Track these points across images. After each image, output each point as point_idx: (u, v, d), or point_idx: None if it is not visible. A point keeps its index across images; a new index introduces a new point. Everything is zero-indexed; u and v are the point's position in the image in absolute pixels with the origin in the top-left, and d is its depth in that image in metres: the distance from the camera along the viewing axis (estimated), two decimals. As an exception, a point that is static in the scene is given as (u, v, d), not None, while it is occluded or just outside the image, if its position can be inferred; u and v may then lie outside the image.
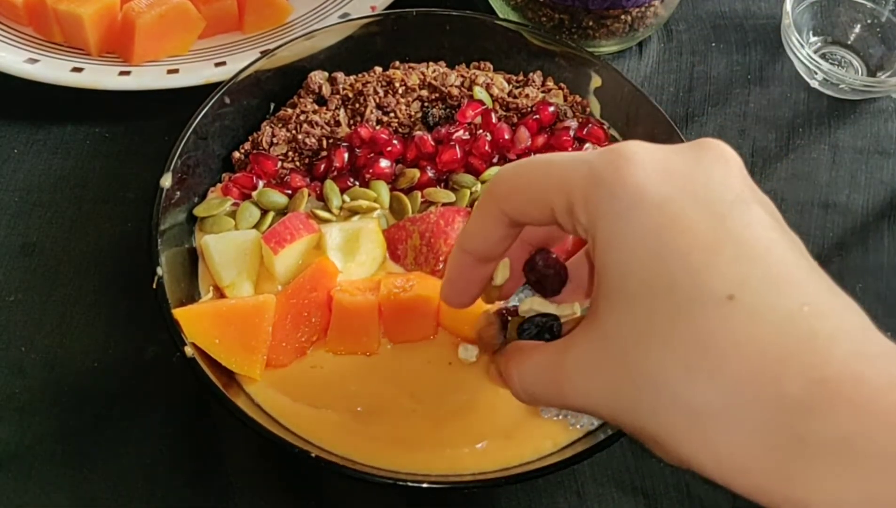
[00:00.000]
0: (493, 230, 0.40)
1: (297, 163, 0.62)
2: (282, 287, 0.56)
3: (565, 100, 0.67)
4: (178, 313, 0.52)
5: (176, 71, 0.69)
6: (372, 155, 0.62)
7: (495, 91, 0.65)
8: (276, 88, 0.65)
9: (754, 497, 0.31)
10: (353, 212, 0.60)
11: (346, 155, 0.61)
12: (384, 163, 0.61)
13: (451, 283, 0.44)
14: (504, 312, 0.46)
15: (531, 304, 0.45)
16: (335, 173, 0.61)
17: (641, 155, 0.35)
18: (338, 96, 0.65)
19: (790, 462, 0.30)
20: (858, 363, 0.31)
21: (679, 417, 0.32)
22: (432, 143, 0.62)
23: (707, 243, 0.33)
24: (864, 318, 0.33)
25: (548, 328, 0.43)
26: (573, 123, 0.64)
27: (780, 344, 0.31)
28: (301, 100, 0.65)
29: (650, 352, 0.33)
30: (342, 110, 0.65)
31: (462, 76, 0.66)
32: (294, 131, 0.63)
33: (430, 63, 0.67)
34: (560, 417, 0.52)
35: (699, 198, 0.34)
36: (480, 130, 0.63)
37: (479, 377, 0.54)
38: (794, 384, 0.30)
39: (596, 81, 0.66)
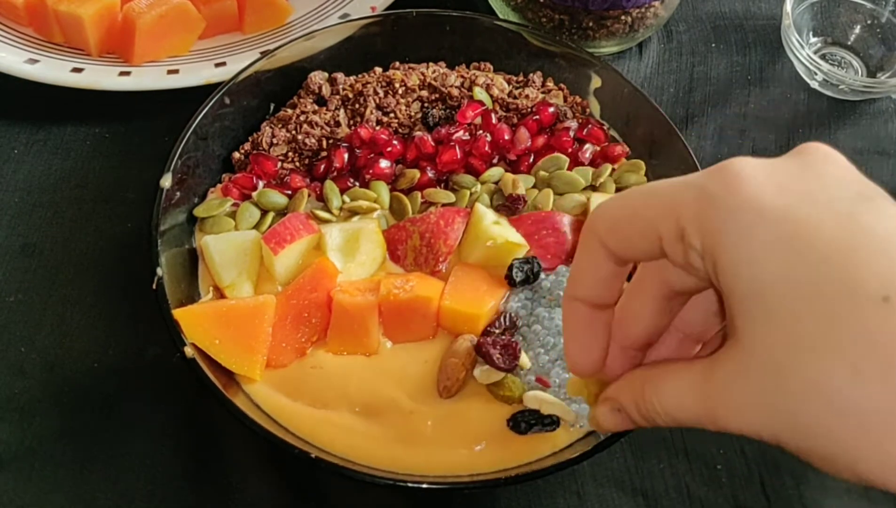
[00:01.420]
0: (600, 269, 0.38)
1: (297, 163, 0.62)
2: (282, 288, 0.56)
3: (565, 100, 0.67)
4: (178, 313, 0.52)
5: (176, 71, 0.69)
6: (372, 155, 0.62)
7: (495, 92, 0.65)
8: (276, 88, 0.65)
9: None
10: (353, 212, 0.60)
11: (346, 155, 0.61)
12: (384, 163, 0.61)
13: (573, 341, 0.41)
14: None
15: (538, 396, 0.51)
16: (335, 174, 0.61)
17: (750, 169, 0.34)
18: (338, 97, 0.65)
19: None
20: None
21: (850, 424, 0.31)
22: (432, 143, 0.62)
23: (842, 244, 0.32)
24: None
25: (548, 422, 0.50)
26: (573, 124, 0.64)
27: None
28: (301, 100, 0.65)
29: (810, 361, 0.32)
30: (342, 111, 0.65)
31: (462, 77, 0.66)
32: (294, 132, 0.63)
33: (430, 64, 0.67)
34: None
35: (819, 201, 0.33)
36: (480, 131, 0.63)
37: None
38: None
39: (596, 82, 0.66)
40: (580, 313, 0.40)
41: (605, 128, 0.66)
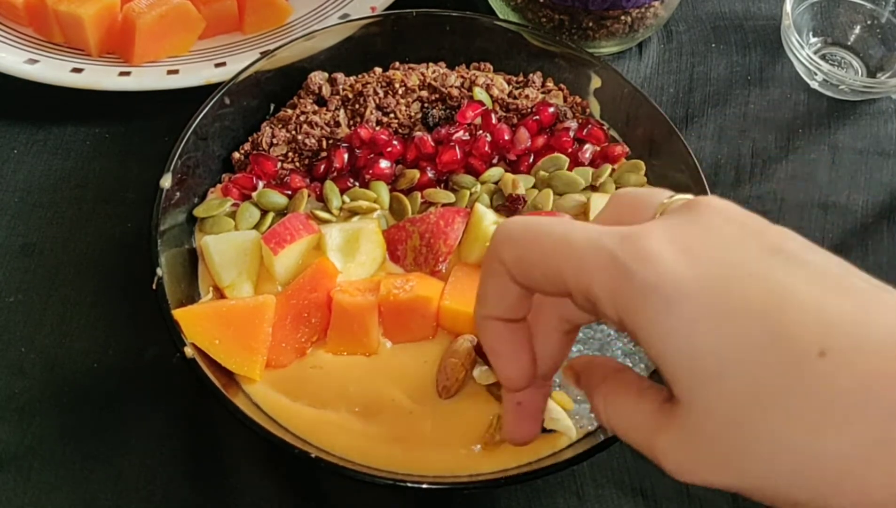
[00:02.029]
0: (507, 292, 0.39)
1: (297, 163, 0.62)
2: (282, 288, 0.56)
3: (565, 101, 0.67)
4: (178, 313, 0.52)
5: (176, 71, 0.69)
6: (372, 156, 0.62)
7: (495, 92, 0.65)
8: (276, 88, 0.65)
9: None
10: (353, 213, 0.60)
11: (345, 156, 0.61)
12: (384, 163, 0.61)
13: (498, 358, 0.41)
14: None
15: None
16: (335, 174, 0.61)
17: (657, 242, 0.34)
18: (338, 97, 0.65)
19: None
20: None
21: (824, 472, 0.32)
22: (432, 143, 0.62)
23: (766, 306, 0.32)
24: None
25: None
26: (573, 124, 0.64)
27: (890, 375, 0.31)
28: (301, 100, 0.65)
29: (770, 422, 0.32)
30: (342, 111, 0.65)
31: (462, 77, 0.66)
32: (294, 132, 0.63)
33: (430, 64, 0.67)
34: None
35: (730, 266, 0.34)
36: (480, 131, 0.63)
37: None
38: None
39: (596, 82, 0.66)
40: (496, 329, 0.40)
41: (605, 128, 0.66)
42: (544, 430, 0.52)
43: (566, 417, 0.51)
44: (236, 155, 0.63)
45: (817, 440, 0.32)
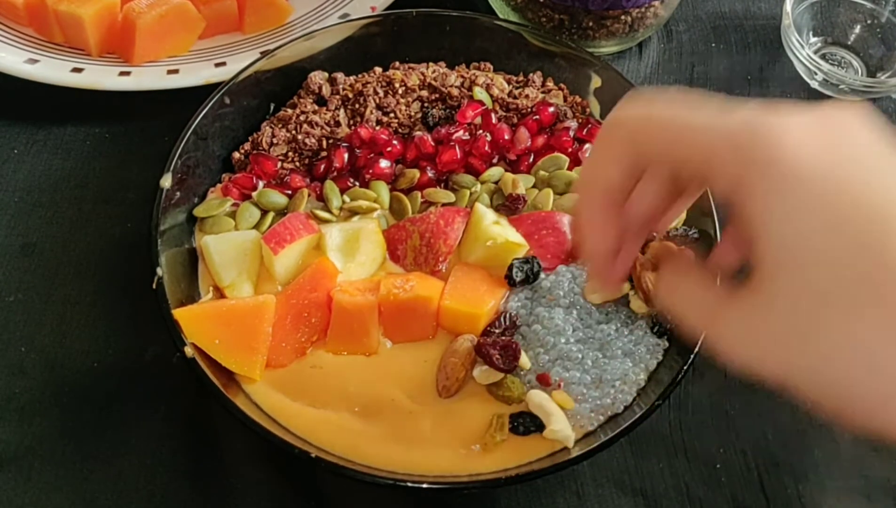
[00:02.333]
0: (618, 162, 0.39)
1: (297, 163, 0.62)
2: (282, 288, 0.56)
3: (565, 100, 0.67)
4: (178, 313, 0.52)
5: (176, 71, 0.69)
6: (372, 155, 0.62)
7: (495, 92, 0.65)
8: (276, 88, 0.65)
9: None
10: (353, 212, 0.60)
11: (345, 155, 0.61)
12: (384, 163, 0.61)
13: (589, 226, 0.42)
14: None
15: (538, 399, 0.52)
16: (335, 174, 0.61)
17: (789, 129, 0.35)
18: (338, 97, 0.65)
19: None
20: None
21: (886, 381, 0.32)
22: (432, 143, 0.62)
23: (883, 210, 0.33)
24: None
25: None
26: (573, 124, 0.64)
27: None
28: (301, 100, 0.65)
29: (842, 320, 0.33)
30: (342, 111, 0.65)
31: (462, 77, 0.66)
32: (294, 132, 0.63)
33: (430, 64, 0.67)
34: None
35: (860, 164, 0.34)
36: (480, 131, 0.63)
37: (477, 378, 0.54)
38: None
39: (596, 82, 0.66)
40: (594, 202, 0.41)
41: (604, 128, 0.66)
42: (542, 430, 0.52)
43: (567, 425, 0.51)
44: (236, 155, 0.63)
45: (882, 351, 0.32)
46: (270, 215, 0.59)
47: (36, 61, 0.69)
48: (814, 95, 0.75)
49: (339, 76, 0.66)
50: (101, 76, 0.69)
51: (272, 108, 0.66)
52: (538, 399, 0.52)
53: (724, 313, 0.37)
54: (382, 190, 0.60)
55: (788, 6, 0.73)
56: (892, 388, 0.32)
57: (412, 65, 0.67)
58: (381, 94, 0.65)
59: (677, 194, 0.42)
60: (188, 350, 0.51)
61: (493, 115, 0.64)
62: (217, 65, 0.70)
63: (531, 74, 0.68)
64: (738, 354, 0.36)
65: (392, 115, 0.64)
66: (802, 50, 0.72)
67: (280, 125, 0.64)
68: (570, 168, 0.62)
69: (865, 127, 0.36)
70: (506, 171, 0.62)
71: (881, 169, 0.34)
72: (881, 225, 0.33)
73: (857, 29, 0.77)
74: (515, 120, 0.65)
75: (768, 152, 0.34)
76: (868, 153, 0.35)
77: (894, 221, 0.33)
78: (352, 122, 0.64)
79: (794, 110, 0.36)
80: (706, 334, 0.38)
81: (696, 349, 0.52)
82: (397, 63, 0.68)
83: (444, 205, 0.60)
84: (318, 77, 0.66)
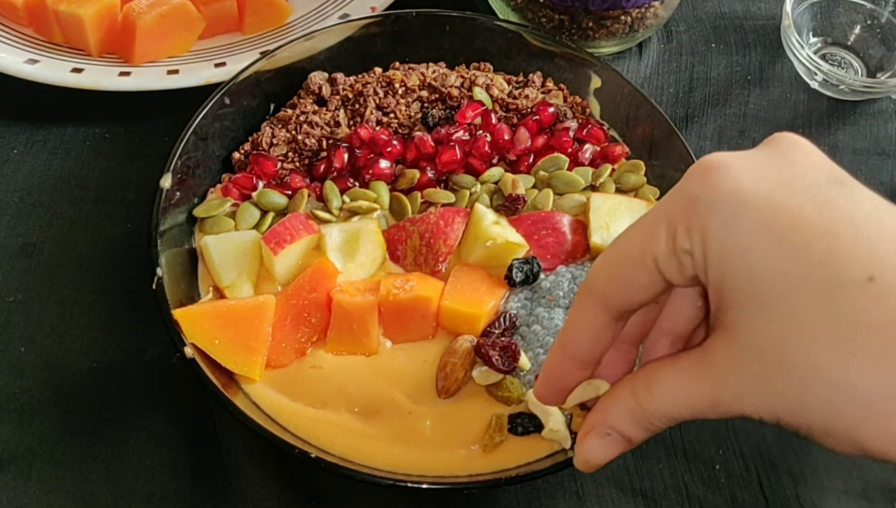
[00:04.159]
0: (595, 326, 0.39)
1: (297, 163, 0.62)
2: (282, 288, 0.56)
3: (565, 101, 0.67)
4: (178, 313, 0.52)
5: (176, 71, 0.69)
6: (372, 156, 0.62)
7: (495, 92, 0.65)
8: (276, 88, 0.65)
9: None
10: (353, 213, 0.60)
11: (345, 156, 0.61)
12: (384, 163, 0.61)
13: (547, 383, 0.42)
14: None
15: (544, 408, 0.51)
16: (335, 174, 0.61)
17: (726, 162, 0.35)
18: (338, 97, 0.65)
19: None
20: None
21: (853, 405, 0.32)
22: (432, 143, 0.62)
23: (823, 229, 0.33)
24: None
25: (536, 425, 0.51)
26: (573, 124, 0.64)
27: None
28: (301, 100, 0.65)
29: (806, 346, 0.33)
30: (342, 111, 0.65)
31: (462, 77, 0.66)
32: (294, 132, 0.63)
33: (430, 64, 0.67)
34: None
35: (796, 188, 0.34)
36: (480, 131, 0.63)
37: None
38: None
39: (596, 82, 0.66)
40: (566, 367, 0.41)
41: (605, 128, 0.66)
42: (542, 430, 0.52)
43: (565, 427, 0.51)
44: (236, 155, 0.63)
45: (852, 369, 0.32)
46: (270, 216, 0.59)
47: (36, 61, 0.69)
48: (814, 95, 0.75)
49: (339, 76, 0.66)
50: (101, 76, 0.69)
51: (272, 108, 0.66)
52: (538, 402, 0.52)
53: (707, 371, 0.36)
54: (382, 190, 0.60)
55: (788, 6, 0.73)
56: (859, 410, 0.32)
57: (412, 65, 0.67)
58: (381, 94, 0.65)
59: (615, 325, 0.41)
60: (188, 350, 0.51)
61: (492, 115, 0.64)
62: (217, 65, 0.70)
63: (531, 75, 0.68)
64: (735, 404, 0.35)
65: (392, 115, 0.64)
66: (802, 50, 0.72)
67: (280, 125, 0.64)
68: (569, 168, 0.62)
69: (802, 152, 0.36)
70: (506, 171, 0.62)
71: (818, 188, 0.34)
72: (826, 245, 0.33)
73: (857, 29, 0.77)
74: (515, 120, 0.65)
75: (712, 189, 0.35)
76: (805, 176, 0.35)
77: (837, 239, 0.33)
78: (352, 122, 0.64)
79: (726, 154, 0.36)
80: (711, 407, 0.36)
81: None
82: (397, 63, 0.68)
83: (443, 205, 0.60)
84: (318, 77, 0.66)
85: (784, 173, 0.35)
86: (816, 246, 0.33)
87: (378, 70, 0.67)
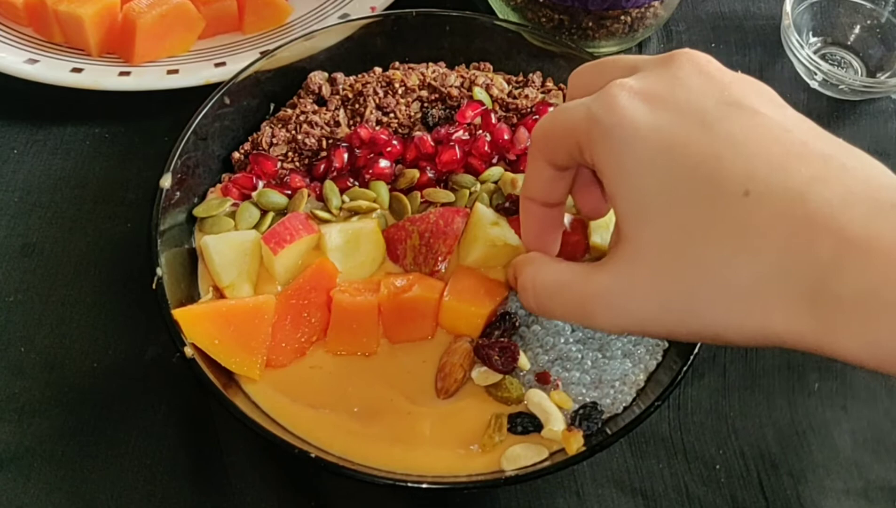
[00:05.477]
0: (543, 173, 0.45)
1: (297, 163, 0.62)
2: (281, 288, 0.56)
3: (565, 100, 0.67)
4: (178, 313, 0.52)
5: (176, 71, 0.69)
6: (371, 155, 0.62)
7: (495, 92, 0.65)
8: (276, 88, 0.65)
9: (808, 349, 0.36)
10: (353, 212, 0.60)
11: (345, 155, 0.61)
12: (384, 163, 0.61)
13: (526, 231, 0.49)
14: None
15: (538, 398, 0.52)
16: (335, 174, 0.61)
17: (626, 91, 0.40)
18: (337, 97, 0.65)
19: (830, 318, 0.35)
20: (874, 222, 0.35)
21: (736, 300, 0.37)
22: (432, 143, 0.62)
23: (708, 153, 0.37)
24: (874, 167, 0.37)
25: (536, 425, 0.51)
26: (573, 124, 0.64)
27: (802, 218, 0.35)
28: (301, 100, 0.65)
29: (694, 251, 0.37)
30: (342, 111, 0.65)
31: (462, 77, 0.66)
32: (294, 132, 0.63)
33: (430, 64, 0.68)
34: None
35: (686, 114, 0.39)
36: (480, 131, 0.63)
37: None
38: (823, 248, 0.35)
39: (596, 82, 0.66)
40: (532, 210, 0.48)
41: (604, 128, 0.66)
42: (541, 430, 0.52)
43: (565, 426, 0.51)
44: (236, 155, 0.63)
45: (732, 265, 0.36)
46: (270, 215, 0.59)
47: (36, 61, 0.69)
48: (814, 95, 0.75)
49: (339, 76, 0.66)
50: (101, 76, 0.69)
51: (272, 108, 0.66)
52: (537, 399, 0.52)
53: (593, 282, 0.40)
54: (382, 190, 0.60)
55: (788, 6, 0.73)
56: (746, 300, 0.36)
57: (412, 65, 0.67)
58: (381, 94, 0.65)
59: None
60: (188, 350, 0.51)
61: (492, 115, 0.64)
62: (217, 65, 0.70)
63: (531, 75, 0.68)
64: (616, 320, 0.40)
65: (392, 115, 0.64)
66: (802, 50, 0.72)
67: (280, 125, 0.64)
68: (569, 168, 0.62)
69: (697, 71, 0.40)
70: (506, 171, 0.62)
71: (706, 113, 0.38)
72: (709, 166, 0.37)
73: (857, 29, 0.77)
74: (515, 120, 0.65)
75: (611, 115, 0.39)
76: (696, 101, 0.39)
77: (718, 160, 0.37)
78: (352, 122, 0.64)
79: (624, 81, 0.40)
80: (581, 311, 0.41)
81: (696, 351, 0.52)
82: (397, 63, 0.68)
83: (443, 205, 0.60)
84: (317, 77, 0.66)
85: (678, 98, 0.39)
86: (701, 169, 0.37)
87: (378, 70, 0.67)
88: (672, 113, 0.39)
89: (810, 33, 0.77)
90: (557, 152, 0.43)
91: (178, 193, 0.58)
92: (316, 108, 0.65)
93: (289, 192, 0.60)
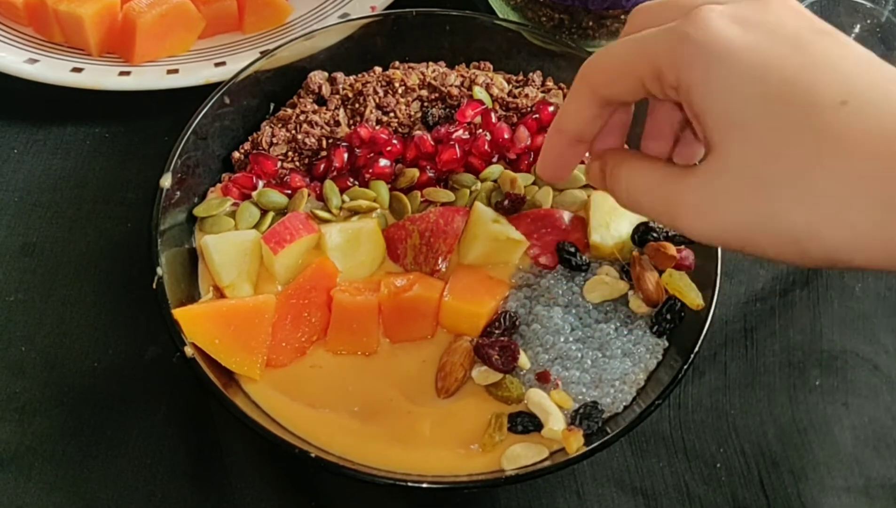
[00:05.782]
0: (586, 110, 0.44)
1: (297, 163, 0.62)
2: (282, 287, 0.56)
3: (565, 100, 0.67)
4: (178, 313, 0.52)
5: (176, 71, 0.69)
6: (371, 155, 0.62)
7: (495, 91, 0.65)
8: (276, 88, 0.65)
9: (879, 268, 0.36)
10: (353, 212, 0.60)
11: (345, 155, 0.61)
12: (384, 163, 0.61)
13: (546, 159, 0.48)
14: None
15: (538, 397, 0.52)
16: (335, 173, 0.61)
17: (717, 12, 0.39)
18: (337, 96, 0.65)
19: None
20: None
21: (821, 201, 0.36)
22: (432, 142, 0.62)
23: (801, 66, 0.37)
24: None
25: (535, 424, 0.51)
26: (573, 123, 0.64)
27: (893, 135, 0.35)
28: (301, 100, 0.65)
29: (783, 156, 0.36)
30: (342, 110, 0.65)
31: (462, 76, 0.66)
32: (294, 131, 0.63)
33: (430, 63, 0.67)
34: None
35: (779, 36, 0.38)
36: (480, 130, 0.63)
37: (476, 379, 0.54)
38: None
39: (596, 81, 0.66)
40: (561, 142, 0.46)
41: (604, 127, 0.66)
42: (541, 429, 0.52)
43: (565, 425, 0.51)
44: (236, 155, 0.63)
45: (821, 168, 0.36)
46: (270, 215, 0.59)
47: (36, 61, 0.69)
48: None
49: (339, 76, 0.66)
50: (101, 76, 0.69)
51: (272, 108, 0.66)
52: (537, 398, 0.52)
53: (681, 185, 0.40)
54: (382, 189, 0.60)
55: (788, 5, 0.73)
56: (834, 212, 0.36)
57: (412, 64, 0.67)
58: (381, 93, 0.65)
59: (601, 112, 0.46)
60: (188, 350, 0.51)
61: (492, 114, 0.64)
62: (217, 65, 0.70)
63: (531, 74, 0.68)
64: (699, 224, 0.39)
65: (392, 114, 0.64)
66: (802, 49, 0.72)
67: (280, 125, 0.64)
68: (569, 168, 0.62)
69: (786, 6, 0.40)
70: (505, 169, 0.62)
71: (798, 37, 0.39)
72: (804, 78, 0.37)
73: (857, 29, 0.77)
74: (515, 119, 0.65)
75: (702, 32, 0.38)
76: (788, 26, 0.39)
77: (813, 74, 0.37)
78: (352, 121, 0.64)
79: (714, 5, 0.40)
80: (667, 211, 0.41)
81: (696, 349, 0.52)
82: (397, 63, 0.68)
83: (443, 204, 0.60)
84: (317, 77, 0.66)
85: (769, 22, 0.39)
86: (795, 81, 0.37)
87: (378, 69, 0.67)
88: (765, 34, 0.38)
89: (810, 32, 0.77)
90: (619, 84, 0.42)
91: (178, 192, 0.58)
92: (316, 107, 0.65)
93: (289, 191, 0.60)
